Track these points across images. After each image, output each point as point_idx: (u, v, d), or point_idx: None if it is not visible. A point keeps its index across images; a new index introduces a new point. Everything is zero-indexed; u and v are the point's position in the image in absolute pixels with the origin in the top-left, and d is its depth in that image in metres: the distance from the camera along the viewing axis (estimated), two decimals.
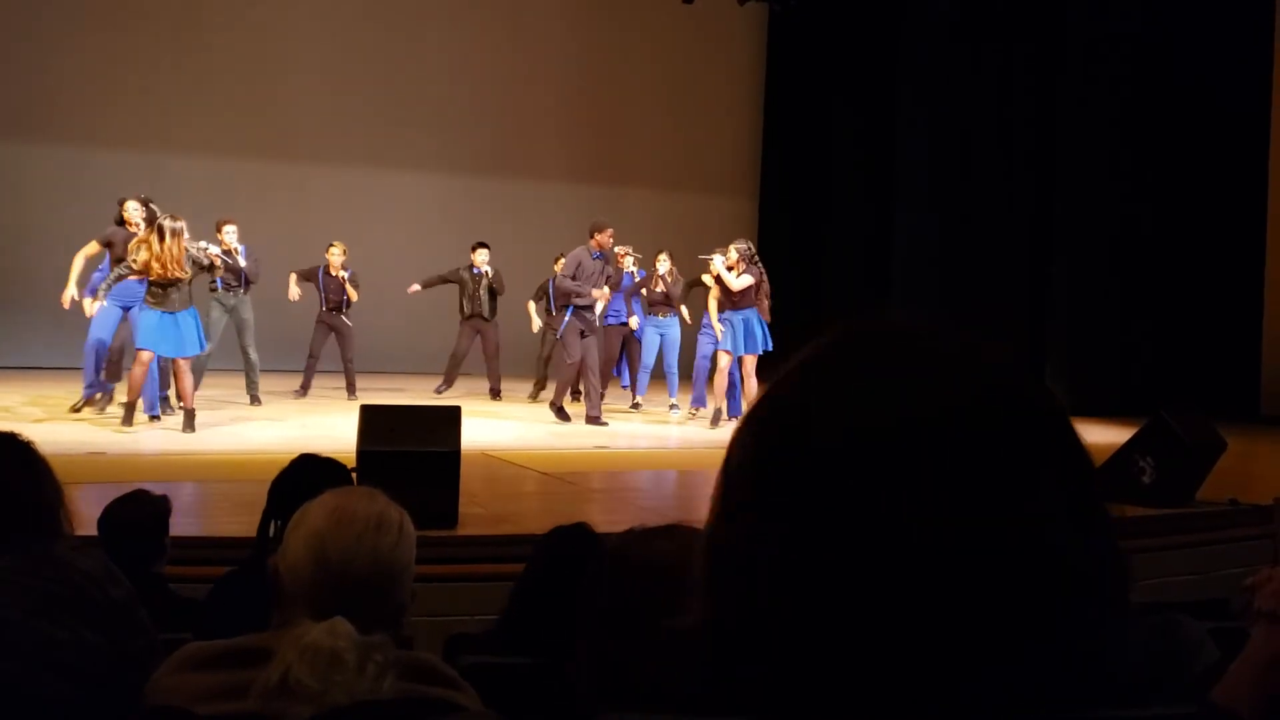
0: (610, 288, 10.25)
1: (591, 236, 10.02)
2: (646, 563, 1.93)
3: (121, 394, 8.76)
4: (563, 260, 11.78)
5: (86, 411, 8.97)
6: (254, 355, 10.39)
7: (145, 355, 8.11)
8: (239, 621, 1.96)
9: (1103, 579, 0.63)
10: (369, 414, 5.44)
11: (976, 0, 13.69)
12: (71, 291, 8.91)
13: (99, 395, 9.07)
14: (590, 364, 9.92)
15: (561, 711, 2.04)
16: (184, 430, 8.23)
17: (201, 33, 14.38)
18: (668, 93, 16.46)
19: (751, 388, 9.92)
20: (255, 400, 10.38)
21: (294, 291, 11.26)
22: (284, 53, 14.68)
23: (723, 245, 10.32)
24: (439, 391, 11.33)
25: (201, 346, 8.55)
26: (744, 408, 9.80)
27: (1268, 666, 1.03)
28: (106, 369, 8.97)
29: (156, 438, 8.16)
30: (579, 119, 16.03)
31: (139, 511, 3.48)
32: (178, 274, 8.11)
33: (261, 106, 14.57)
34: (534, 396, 11.73)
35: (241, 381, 10.54)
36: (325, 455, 3.43)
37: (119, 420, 8.33)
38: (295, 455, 3.40)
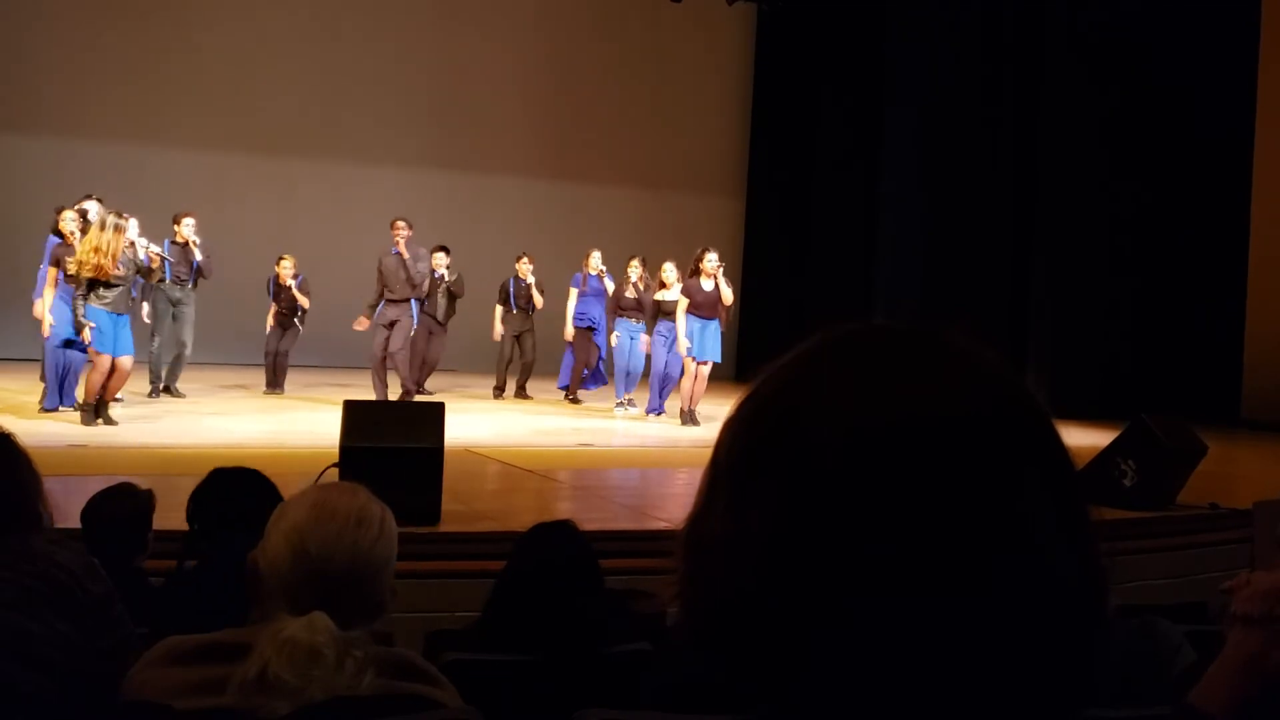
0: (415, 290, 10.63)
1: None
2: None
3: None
4: (526, 260, 11.79)
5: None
6: (189, 350, 10.33)
7: (104, 361, 8.13)
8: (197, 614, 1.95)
9: (1085, 582, 0.63)
10: (352, 409, 5.43)
11: (962, 2, 13.73)
12: (48, 319, 8.79)
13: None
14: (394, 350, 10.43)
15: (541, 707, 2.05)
16: (105, 423, 8.16)
17: (185, 28, 14.33)
18: (655, 92, 16.47)
19: (700, 390, 10.08)
20: (176, 392, 10.30)
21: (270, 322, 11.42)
22: (266, 48, 14.64)
23: (710, 245, 10.35)
24: (405, 395, 11.18)
25: (132, 350, 8.47)
26: (689, 407, 9.95)
27: (1243, 669, 1.04)
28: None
29: (138, 431, 8.13)
30: (565, 117, 16.02)
31: (123, 505, 3.46)
32: (114, 271, 8.10)
33: (243, 102, 14.52)
34: (497, 396, 11.76)
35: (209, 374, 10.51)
36: (237, 467, 3.43)
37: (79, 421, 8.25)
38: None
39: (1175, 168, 12.33)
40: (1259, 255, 12.17)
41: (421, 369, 11.61)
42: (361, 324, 10.79)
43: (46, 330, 8.72)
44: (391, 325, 10.44)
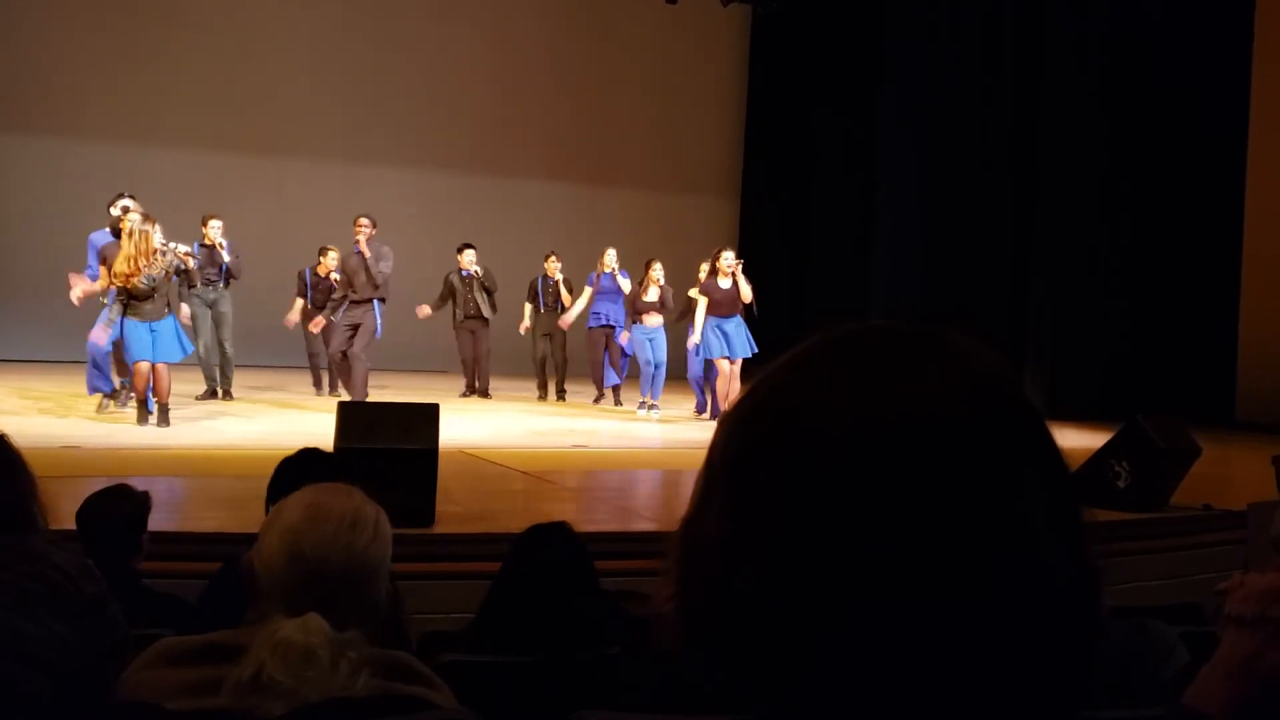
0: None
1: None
2: None
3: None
4: (554, 259, 11.85)
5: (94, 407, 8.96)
6: (230, 349, 10.40)
7: (143, 366, 8.27)
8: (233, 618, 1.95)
9: (1080, 583, 0.63)
10: (347, 410, 5.43)
11: (959, 2, 13.74)
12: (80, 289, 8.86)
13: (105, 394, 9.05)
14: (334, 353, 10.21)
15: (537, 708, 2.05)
16: (159, 425, 8.31)
17: (183, 28, 14.32)
18: (651, 93, 16.48)
19: (735, 389, 10.02)
20: (227, 395, 10.37)
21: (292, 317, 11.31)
22: (266, 48, 14.63)
23: (705, 246, 10.42)
24: (465, 396, 11.54)
25: (185, 351, 8.63)
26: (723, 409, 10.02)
27: (1238, 671, 1.04)
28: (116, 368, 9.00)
29: (134, 432, 8.12)
30: (562, 118, 16.03)
31: (118, 506, 3.45)
32: (142, 273, 8.16)
33: (243, 102, 14.51)
34: (541, 398, 11.83)
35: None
36: (307, 448, 3.43)
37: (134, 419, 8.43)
38: (286, 450, 3.40)
39: (1171, 169, 12.35)
40: (1253, 257, 12.19)
41: (474, 371, 11.68)
42: (317, 324, 10.75)
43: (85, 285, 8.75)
44: (356, 327, 10.16)
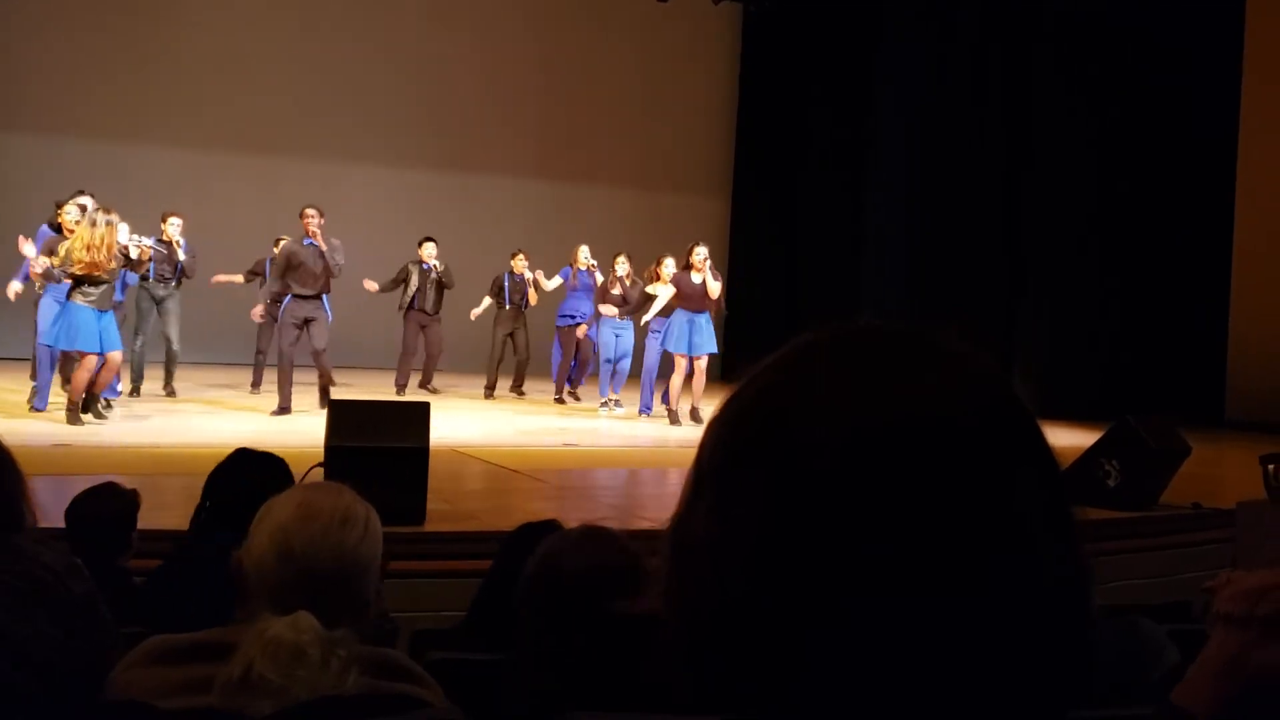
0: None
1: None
2: (581, 566, 1.97)
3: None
4: (522, 257, 11.82)
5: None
6: (176, 346, 10.33)
7: (91, 360, 8.10)
8: (181, 611, 1.95)
9: (1073, 582, 0.63)
10: (338, 409, 5.42)
11: (951, 2, 13.76)
12: (14, 286, 8.89)
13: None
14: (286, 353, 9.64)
15: (525, 708, 2.04)
16: (94, 418, 8.20)
17: (172, 25, 14.28)
18: (641, 91, 16.47)
19: (700, 385, 10.07)
20: (171, 392, 10.28)
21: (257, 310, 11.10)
22: (251, 46, 14.60)
23: (698, 244, 10.38)
24: (399, 391, 11.15)
25: (119, 345, 8.47)
26: (694, 405, 10.02)
27: (1225, 669, 1.04)
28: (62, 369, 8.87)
29: (121, 430, 8.10)
30: (551, 116, 16.01)
31: (107, 505, 3.44)
32: (109, 265, 8.14)
33: (228, 99, 14.49)
34: (488, 397, 11.75)
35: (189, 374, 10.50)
36: (262, 450, 3.41)
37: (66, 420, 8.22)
38: (274, 446, 3.39)
39: (1162, 169, 12.38)
40: (1243, 257, 12.23)
41: (426, 365, 11.60)
42: (257, 313, 10.48)
43: (10, 292, 8.75)
44: (305, 323, 9.67)
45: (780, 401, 0.65)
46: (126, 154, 13.76)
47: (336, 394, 8.08)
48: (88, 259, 8.05)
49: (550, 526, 3.02)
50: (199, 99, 14.32)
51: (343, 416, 5.33)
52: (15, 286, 9.06)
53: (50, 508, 3.51)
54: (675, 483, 6.69)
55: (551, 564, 2.07)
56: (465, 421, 9.45)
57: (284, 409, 9.35)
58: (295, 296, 9.69)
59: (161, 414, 9.12)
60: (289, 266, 9.70)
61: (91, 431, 7.93)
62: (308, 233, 9.68)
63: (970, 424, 0.62)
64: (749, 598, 0.61)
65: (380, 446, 5.12)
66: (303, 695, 1.65)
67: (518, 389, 11.89)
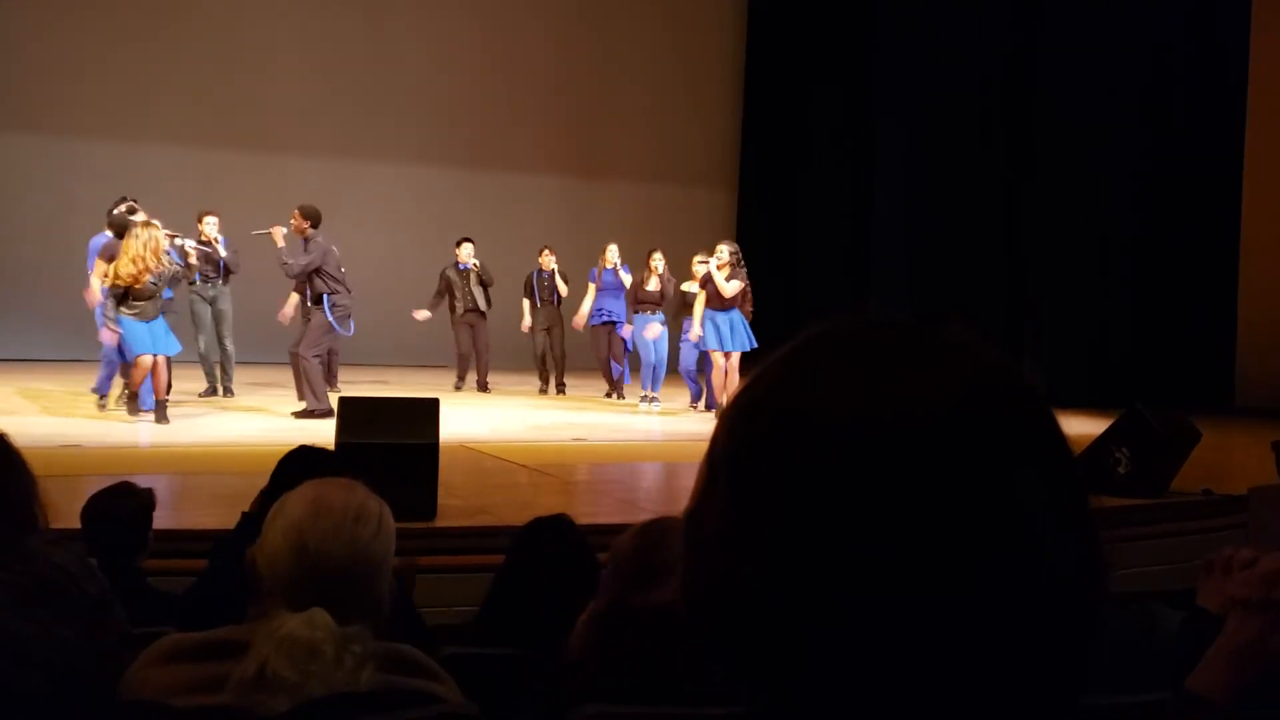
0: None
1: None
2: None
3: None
4: (549, 252, 11.85)
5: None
6: (230, 347, 10.38)
7: (145, 360, 8.28)
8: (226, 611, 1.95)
9: (1084, 575, 0.63)
10: (348, 406, 5.43)
11: None
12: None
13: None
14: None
15: (541, 701, 2.04)
16: (158, 421, 8.34)
17: (174, 22, 14.26)
18: (647, 84, 16.44)
19: (734, 383, 10.04)
20: (229, 392, 10.35)
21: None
22: (261, 42, 14.58)
23: (701, 238, 10.38)
24: (459, 389, 11.47)
25: (178, 346, 8.65)
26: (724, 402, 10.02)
27: (1242, 655, 1.04)
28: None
29: (134, 430, 8.12)
30: (557, 110, 15.99)
31: (123, 504, 3.44)
32: (157, 269, 8.23)
33: (238, 96, 14.47)
34: (543, 391, 11.85)
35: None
36: (323, 448, 3.42)
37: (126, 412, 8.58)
38: (286, 447, 3.39)
39: (1169, 156, 12.33)
40: (1251, 242, 12.20)
41: (478, 367, 11.69)
42: (285, 316, 10.27)
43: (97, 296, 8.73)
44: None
45: (791, 396, 0.65)
46: (132, 152, 13.76)
47: (353, 392, 8.09)
48: (134, 270, 8.19)
49: (560, 521, 3.03)
50: (206, 96, 14.30)
51: (353, 413, 5.34)
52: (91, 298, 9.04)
53: (62, 509, 3.52)
54: (685, 476, 6.69)
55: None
56: (474, 417, 9.45)
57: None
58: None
59: (174, 413, 9.15)
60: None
61: (104, 431, 7.96)
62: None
63: (973, 424, 0.62)
64: (759, 593, 0.62)
65: (391, 443, 5.14)
66: (317, 692, 1.65)
67: (560, 388, 11.90)
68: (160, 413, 8.40)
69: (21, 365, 12.15)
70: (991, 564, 0.60)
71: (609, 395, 11.65)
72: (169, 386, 8.70)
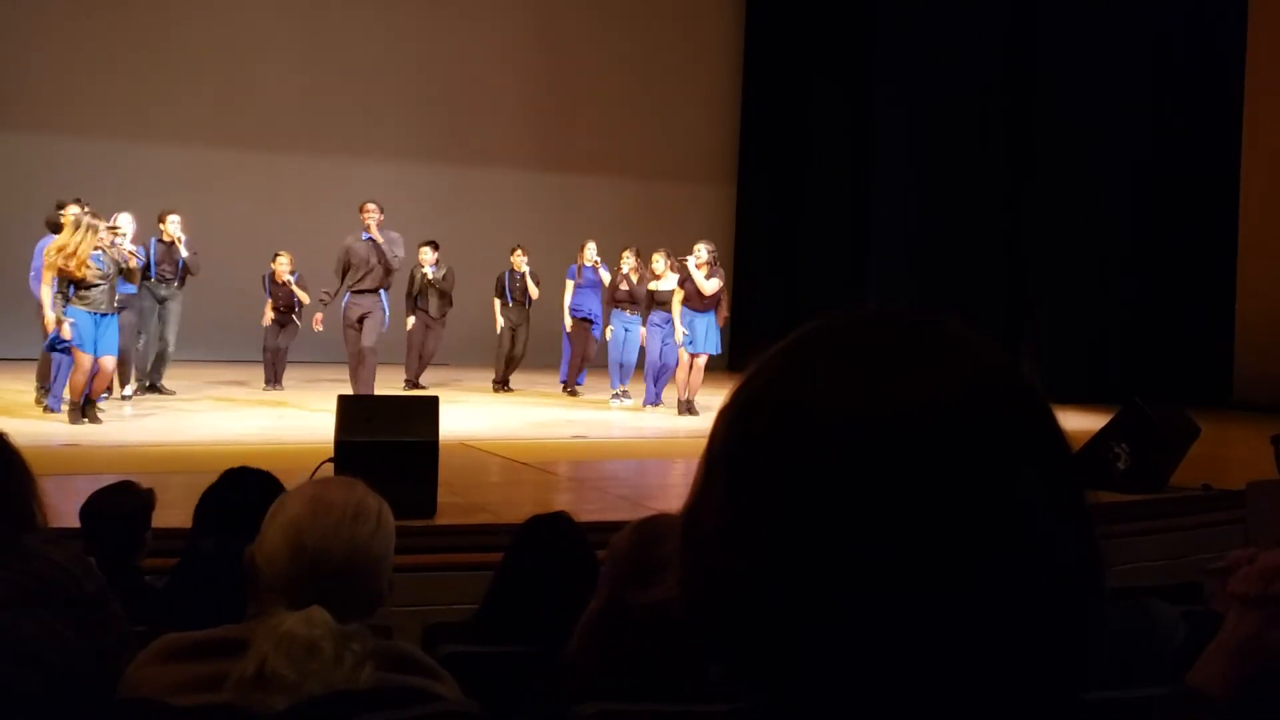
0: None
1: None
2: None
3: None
4: (520, 252, 11.82)
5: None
6: (172, 347, 10.29)
7: (85, 361, 8.04)
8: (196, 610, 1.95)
9: (1081, 565, 0.63)
10: (347, 404, 5.43)
11: None
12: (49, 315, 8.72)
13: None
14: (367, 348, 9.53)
15: (541, 699, 2.04)
16: (90, 422, 8.10)
17: (169, 20, 14.26)
18: (645, 79, 16.43)
19: (696, 381, 10.13)
20: (156, 389, 10.23)
21: (267, 316, 11.19)
22: (251, 41, 14.59)
23: (702, 235, 10.39)
24: (408, 388, 11.17)
25: (115, 350, 8.41)
26: (688, 397, 10.00)
27: (1241, 650, 1.04)
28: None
29: (133, 430, 8.11)
30: (553, 106, 15.98)
31: (122, 503, 3.43)
32: (77, 274, 8.05)
33: (228, 95, 14.48)
34: (497, 389, 11.79)
35: (195, 373, 10.51)
36: (250, 467, 3.42)
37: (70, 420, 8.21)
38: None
39: (1167, 152, 12.33)
40: (1248, 238, 12.20)
41: (418, 364, 11.64)
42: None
43: (50, 324, 8.49)
44: (362, 320, 9.57)
45: (790, 391, 0.64)
46: (127, 151, 13.75)
47: (346, 391, 8.09)
48: (58, 262, 7.98)
49: (560, 518, 3.03)
50: (196, 94, 14.30)
51: (352, 411, 5.33)
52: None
53: (61, 508, 3.51)
54: (684, 473, 6.70)
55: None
56: (474, 415, 9.45)
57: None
58: (353, 293, 9.63)
59: (170, 412, 9.13)
60: (346, 263, 9.68)
61: (104, 430, 7.94)
62: (365, 228, 9.66)
63: (973, 422, 0.62)
64: (757, 591, 0.61)
65: (390, 441, 5.13)
66: (316, 690, 1.65)
67: (503, 384, 11.86)
68: (90, 411, 8.17)
69: (17, 364, 12.13)
70: (991, 563, 0.60)
71: (569, 391, 11.61)
72: (111, 388, 8.56)
